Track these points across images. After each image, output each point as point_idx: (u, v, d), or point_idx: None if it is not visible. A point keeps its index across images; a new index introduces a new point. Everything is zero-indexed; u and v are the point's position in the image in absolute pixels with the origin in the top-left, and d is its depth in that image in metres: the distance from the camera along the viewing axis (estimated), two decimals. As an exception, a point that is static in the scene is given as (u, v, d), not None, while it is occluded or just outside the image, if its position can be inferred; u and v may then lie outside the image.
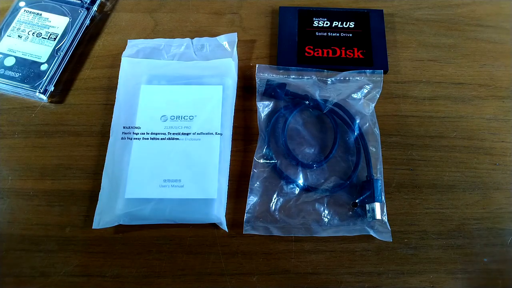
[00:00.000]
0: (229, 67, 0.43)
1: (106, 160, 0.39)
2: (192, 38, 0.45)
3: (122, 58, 0.44)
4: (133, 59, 0.44)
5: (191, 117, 0.40)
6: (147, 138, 0.39)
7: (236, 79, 0.43)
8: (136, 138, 0.39)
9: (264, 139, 0.40)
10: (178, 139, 0.39)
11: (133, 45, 0.45)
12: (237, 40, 0.45)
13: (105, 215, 0.36)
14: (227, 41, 0.45)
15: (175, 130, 0.39)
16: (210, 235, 0.37)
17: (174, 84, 0.42)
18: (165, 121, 0.39)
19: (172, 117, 0.40)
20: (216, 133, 0.39)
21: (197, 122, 0.39)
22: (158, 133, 0.39)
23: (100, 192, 0.38)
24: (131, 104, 0.41)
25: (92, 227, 0.36)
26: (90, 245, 0.37)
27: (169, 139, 0.39)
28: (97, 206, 0.37)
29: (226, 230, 0.37)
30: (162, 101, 0.41)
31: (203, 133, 0.39)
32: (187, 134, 0.39)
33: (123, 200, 0.37)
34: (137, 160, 0.38)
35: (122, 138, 0.39)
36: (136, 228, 0.37)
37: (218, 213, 0.36)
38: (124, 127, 0.40)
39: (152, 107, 0.40)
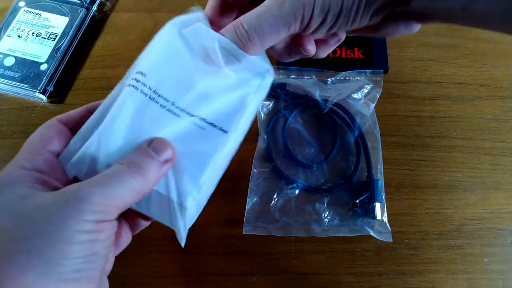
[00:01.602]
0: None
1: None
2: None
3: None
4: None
5: (207, 97, 0.26)
6: (147, 95, 0.25)
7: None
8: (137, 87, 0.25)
9: (264, 139, 0.40)
10: (179, 116, 0.26)
11: None
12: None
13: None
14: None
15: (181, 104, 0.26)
16: (210, 235, 0.37)
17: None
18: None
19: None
20: (223, 131, 0.27)
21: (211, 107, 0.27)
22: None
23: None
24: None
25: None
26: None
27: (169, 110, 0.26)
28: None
29: (182, 245, 0.27)
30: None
31: (212, 124, 0.27)
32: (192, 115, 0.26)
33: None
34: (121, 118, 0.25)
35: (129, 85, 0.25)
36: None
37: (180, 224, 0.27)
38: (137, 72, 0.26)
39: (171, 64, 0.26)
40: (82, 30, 0.46)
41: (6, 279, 0.17)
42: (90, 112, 0.25)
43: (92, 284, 0.19)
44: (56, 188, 0.21)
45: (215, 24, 0.26)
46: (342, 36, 0.28)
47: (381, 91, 0.42)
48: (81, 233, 0.18)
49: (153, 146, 0.23)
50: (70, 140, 0.25)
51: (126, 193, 0.21)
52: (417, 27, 0.24)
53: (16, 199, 0.19)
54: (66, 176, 0.24)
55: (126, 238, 0.27)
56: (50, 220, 0.18)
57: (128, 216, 0.27)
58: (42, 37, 0.45)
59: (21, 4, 0.47)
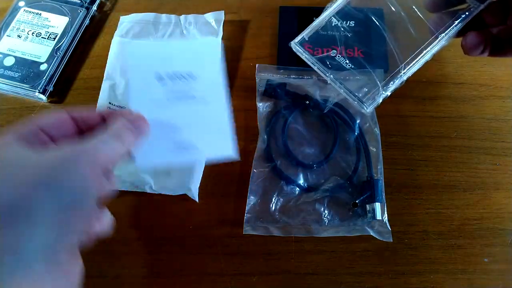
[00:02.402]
0: (215, 45, 0.35)
1: None
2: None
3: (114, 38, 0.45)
4: (123, 39, 0.45)
5: (191, 77, 0.33)
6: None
7: (220, 57, 0.35)
8: None
9: (264, 139, 0.40)
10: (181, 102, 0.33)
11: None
12: (223, 18, 0.46)
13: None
14: (214, 19, 0.46)
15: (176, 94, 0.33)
16: (210, 235, 0.37)
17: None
18: (160, 80, 0.33)
19: (169, 75, 0.33)
20: (220, 95, 0.33)
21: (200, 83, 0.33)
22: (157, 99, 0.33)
23: None
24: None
25: None
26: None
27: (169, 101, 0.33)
28: None
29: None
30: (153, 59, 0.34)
31: (209, 95, 0.33)
32: (192, 97, 0.33)
33: (132, 167, 0.35)
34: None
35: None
36: (136, 228, 0.37)
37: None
38: (109, 103, 0.41)
39: (142, 68, 0.33)
40: (82, 30, 0.46)
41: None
42: (103, 119, 0.28)
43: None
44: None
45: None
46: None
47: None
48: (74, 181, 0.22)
49: (132, 118, 0.28)
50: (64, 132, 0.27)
51: (113, 152, 0.25)
52: None
53: (9, 158, 0.22)
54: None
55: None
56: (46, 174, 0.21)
57: None
58: (42, 37, 0.45)
59: (21, 4, 0.47)
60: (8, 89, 0.43)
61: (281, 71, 0.43)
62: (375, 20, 0.47)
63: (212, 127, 0.33)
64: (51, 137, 0.26)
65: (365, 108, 0.36)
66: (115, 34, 0.46)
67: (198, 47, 0.35)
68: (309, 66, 0.43)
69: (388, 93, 0.36)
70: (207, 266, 0.36)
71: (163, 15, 0.47)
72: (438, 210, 0.38)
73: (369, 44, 0.45)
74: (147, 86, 0.33)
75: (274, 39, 0.47)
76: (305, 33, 0.39)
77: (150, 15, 0.47)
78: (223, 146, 0.33)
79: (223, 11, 0.46)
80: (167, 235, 0.37)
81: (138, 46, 0.35)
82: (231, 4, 0.49)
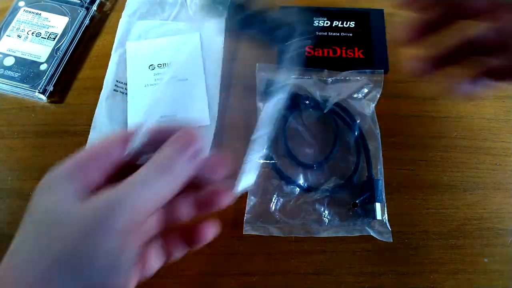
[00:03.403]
0: (219, 27, 0.46)
1: (96, 112, 0.41)
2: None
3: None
4: (130, 19, 0.47)
5: (175, 63, 0.44)
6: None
7: (223, 38, 0.46)
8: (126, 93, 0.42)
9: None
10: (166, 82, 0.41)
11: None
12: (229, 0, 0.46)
13: None
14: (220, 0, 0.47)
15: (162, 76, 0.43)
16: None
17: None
18: (153, 69, 0.43)
19: (159, 65, 0.44)
20: (199, 77, 0.43)
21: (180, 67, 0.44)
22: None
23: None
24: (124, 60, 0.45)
25: None
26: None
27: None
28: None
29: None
30: (148, 53, 0.44)
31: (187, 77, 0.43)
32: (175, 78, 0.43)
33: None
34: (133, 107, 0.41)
35: (114, 90, 0.43)
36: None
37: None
38: (117, 81, 0.43)
39: (139, 61, 0.44)
40: (82, 30, 0.46)
41: None
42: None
43: None
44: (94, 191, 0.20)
45: None
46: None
47: (381, 91, 0.42)
48: (108, 242, 0.18)
49: (182, 139, 0.22)
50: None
51: (157, 192, 0.20)
52: None
53: (54, 204, 0.19)
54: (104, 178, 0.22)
55: (155, 261, 0.25)
56: (80, 234, 0.18)
57: (167, 237, 0.26)
58: (42, 37, 0.45)
59: (21, 4, 0.47)
60: (8, 89, 0.43)
61: (281, 71, 0.43)
62: (375, 20, 0.47)
63: (191, 99, 0.42)
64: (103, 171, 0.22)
65: None
66: (122, 13, 0.47)
67: (182, 41, 0.45)
68: (309, 66, 0.44)
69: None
70: (207, 266, 0.36)
71: None
72: (438, 210, 0.38)
73: (369, 44, 0.45)
74: (141, 75, 0.43)
75: (274, 39, 0.47)
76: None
77: None
78: (200, 114, 0.41)
79: None
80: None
81: (134, 46, 0.45)
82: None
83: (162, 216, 0.24)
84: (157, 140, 0.22)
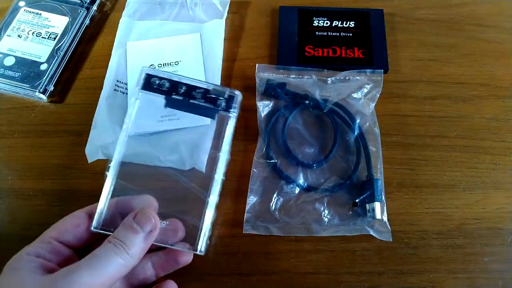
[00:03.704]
0: (219, 27, 0.46)
1: (96, 112, 0.41)
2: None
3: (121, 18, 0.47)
4: (130, 19, 0.47)
5: (176, 63, 0.44)
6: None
7: (223, 38, 0.46)
8: (126, 93, 0.42)
9: (264, 139, 0.40)
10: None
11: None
12: (229, 0, 0.47)
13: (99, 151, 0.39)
14: (219, 1, 0.48)
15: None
16: (210, 234, 0.37)
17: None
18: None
19: (159, 65, 0.44)
20: (199, 77, 0.42)
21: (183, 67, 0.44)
22: None
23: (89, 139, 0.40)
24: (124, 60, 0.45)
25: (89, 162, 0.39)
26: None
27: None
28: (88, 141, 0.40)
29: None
30: (148, 53, 0.44)
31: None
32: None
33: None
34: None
35: (114, 90, 0.43)
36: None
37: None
38: (117, 81, 0.43)
39: (139, 61, 0.44)
40: (82, 30, 0.46)
41: None
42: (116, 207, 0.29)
43: None
44: (54, 271, 0.24)
45: None
46: None
47: (381, 91, 0.42)
48: None
49: (137, 219, 0.26)
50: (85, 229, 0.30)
51: (112, 270, 0.24)
52: None
53: (18, 283, 0.23)
54: (66, 259, 0.27)
55: (149, 271, 0.31)
56: None
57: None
58: (42, 37, 0.45)
59: (21, 4, 0.47)
60: (8, 89, 0.43)
61: (281, 70, 0.43)
62: (375, 20, 0.47)
63: None
64: (69, 244, 0.27)
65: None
66: (122, 14, 0.47)
67: (183, 41, 0.45)
68: (309, 66, 0.44)
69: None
70: (207, 266, 0.36)
71: None
72: (438, 209, 0.38)
73: (369, 44, 0.45)
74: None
75: (274, 39, 0.47)
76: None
77: None
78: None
79: None
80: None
81: (135, 46, 0.45)
82: (231, 4, 0.49)
83: (126, 280, 0.29)
84: (121, 212, 0.28)
